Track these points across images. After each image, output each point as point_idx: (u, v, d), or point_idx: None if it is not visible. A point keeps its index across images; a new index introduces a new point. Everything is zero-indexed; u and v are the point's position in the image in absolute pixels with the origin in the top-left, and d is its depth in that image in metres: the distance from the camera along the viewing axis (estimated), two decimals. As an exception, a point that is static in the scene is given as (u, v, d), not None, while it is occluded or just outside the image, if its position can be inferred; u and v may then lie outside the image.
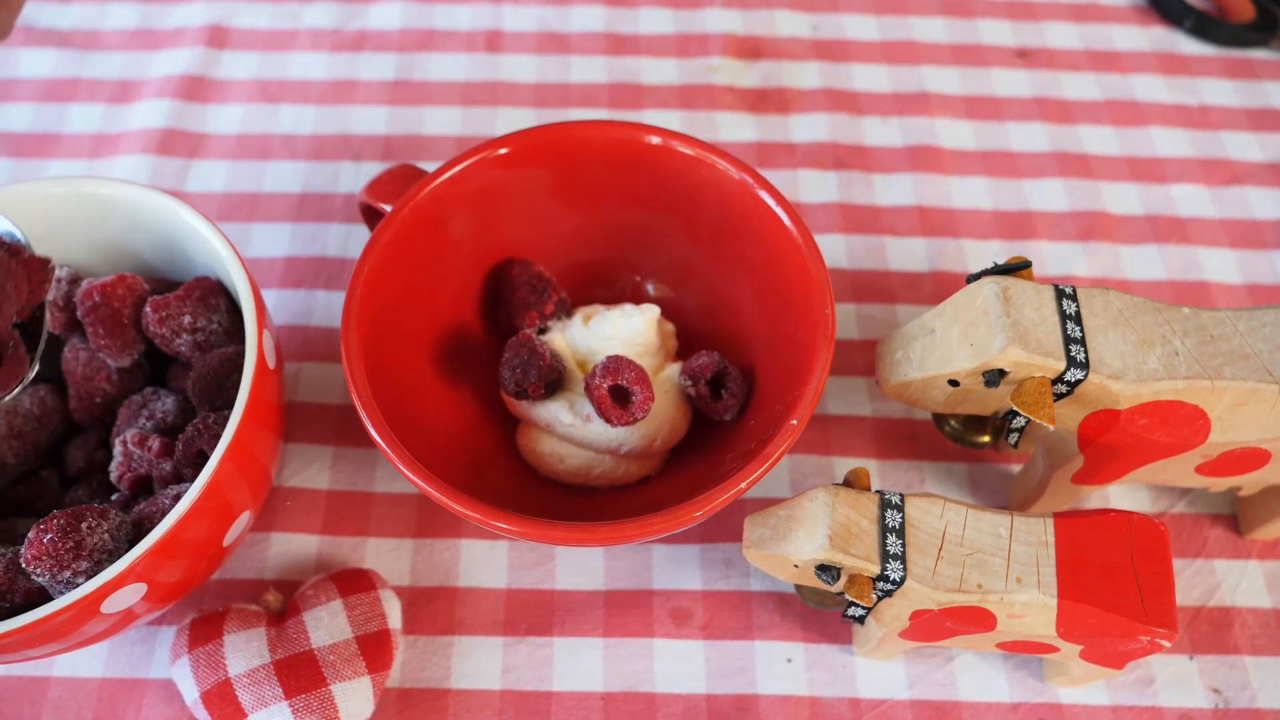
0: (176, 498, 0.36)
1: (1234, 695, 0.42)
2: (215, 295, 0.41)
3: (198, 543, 0.36)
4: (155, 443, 0.38)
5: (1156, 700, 0.41)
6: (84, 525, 0.35)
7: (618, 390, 0.40)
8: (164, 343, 0.41)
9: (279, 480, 0.46)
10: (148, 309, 0.40)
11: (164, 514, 0.35)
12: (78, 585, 0.34)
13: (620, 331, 0.43)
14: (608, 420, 0.40)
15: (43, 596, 0.36)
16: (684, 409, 0.43)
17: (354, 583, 0.41)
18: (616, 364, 0.40)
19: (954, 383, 0.37)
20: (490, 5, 0.63)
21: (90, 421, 0.43)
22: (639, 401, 0.40)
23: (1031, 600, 0.34)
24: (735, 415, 0.43)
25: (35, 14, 0.62)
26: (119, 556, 0.35)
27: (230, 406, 0.39)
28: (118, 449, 0.39)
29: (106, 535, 0.35)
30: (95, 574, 0.34)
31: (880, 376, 0.40)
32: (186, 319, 0.40)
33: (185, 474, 0.38)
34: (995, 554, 0.35)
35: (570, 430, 0.42)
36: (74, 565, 0.34)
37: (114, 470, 0.39)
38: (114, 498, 0.40)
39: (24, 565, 0.34)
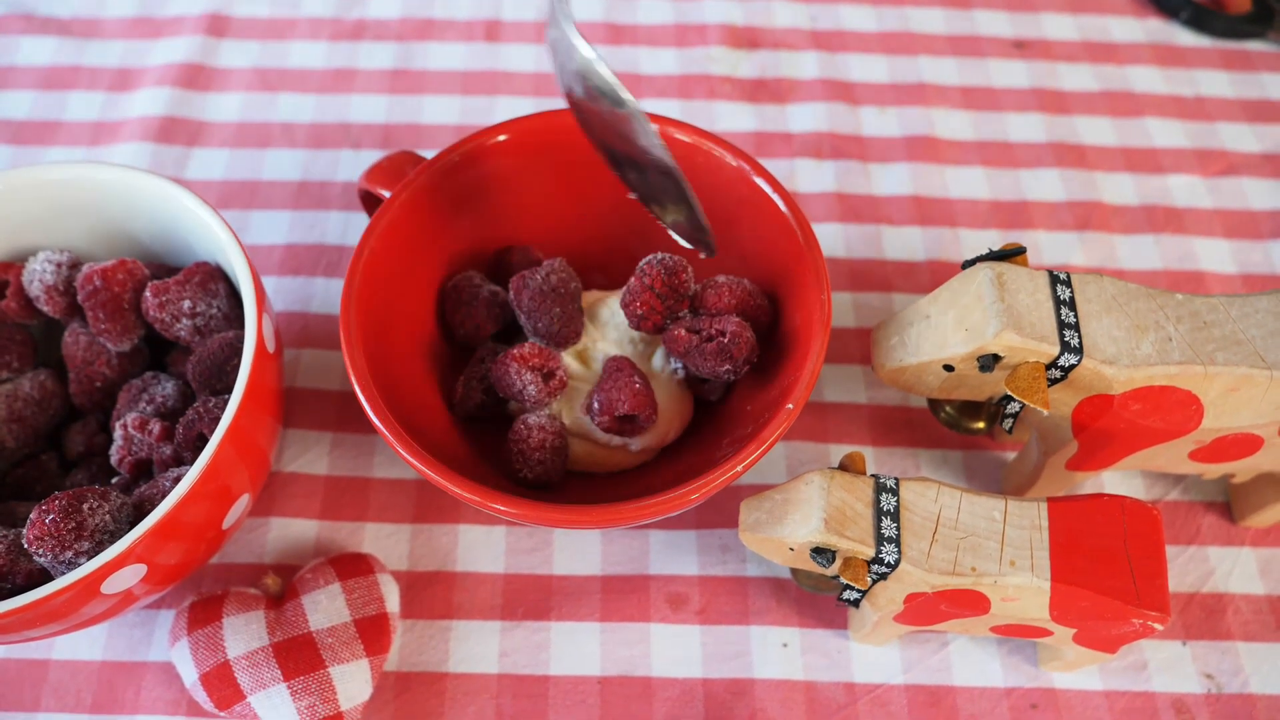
0: (177, 480, 0.36)
1: (1226, 680, 0.42)
2: (215, 281, 0.41)
3: (197, 525, 0.36)
4: (156, 426, 0.39)
5: (1150, 685, 0.42)
6: (85, 506, 0.35)
7: (623, 420, 0.41)
8: (164, 328, 0.41)
9: (278, 465, 0.46)
10: (148, 294, 0.41)
11: (164, 496, 0.35)
12: (79, 565, 0.34)
13: (618, 317, 0.43)
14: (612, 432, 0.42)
15: (44, 578, 0.36)
16: (685, 398, 0.44)
17: (352, 567, 0.42)
18: (611, 395, 0.41)
19: (949, 368, 0.37)
20: (489, -5, 0.64)
21: (90, 406, 0.43)
22: (644, 419, 0.41)
23: (1025, 583, 0.34)
24: (733, 373, 0.41)
25: (34, 2, 0.62)
26: (120, 538, 0.35)
27: (230, 391, 0.39)
28: (118, 433, 0.39)
29: (108, 516, 0.35)
30: (97, 554, 0.34)
31: (876, 362, 0.40)
32: (186, 304, 0.41)
33: (185, 457, 0.38)
34: (989, 537, 0.35)
35: (572, 423, 0.42)
36: (76, 545, 0.34)
37: (114, 454, 0.40)
38: (114, 481, 0.40)
39: (26, 545, 0.35)
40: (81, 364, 0.42)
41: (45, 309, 0.42)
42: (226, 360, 0.40)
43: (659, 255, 0.41)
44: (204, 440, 0.38)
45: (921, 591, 0.36)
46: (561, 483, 0.43)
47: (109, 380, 0.42)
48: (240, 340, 0.40)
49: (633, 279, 0.41)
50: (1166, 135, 0.58)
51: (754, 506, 0.38)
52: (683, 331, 0.41)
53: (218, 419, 0.37)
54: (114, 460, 0.40)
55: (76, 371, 0.42)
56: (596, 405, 0.41)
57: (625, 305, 0.41)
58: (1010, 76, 0.60)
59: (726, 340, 0.40)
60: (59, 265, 0.42)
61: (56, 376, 0.44)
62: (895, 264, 0.53)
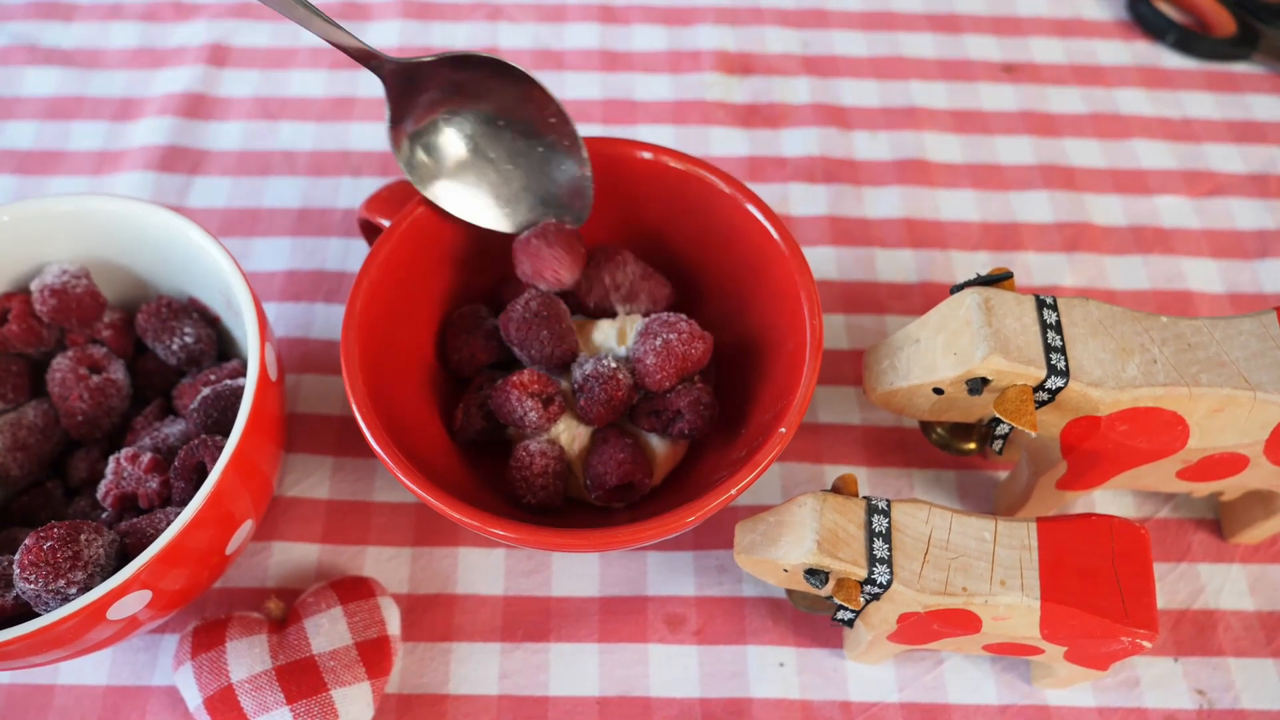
0: (182, 504, 0.37)
1: (1218, 696, 0.42)
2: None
3: (201, 550, 0.37)
4: (146, 458, 0.39)
5: (1142, 702, 0.42)
6: (83, 537, 0.36)
7: (618, 490, 0.42)
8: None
9: (280, 490, 0.47)
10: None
11: (167, 523, 0.36)
12: (70, 595, 0.34)
13: (610, 340, 0.44)
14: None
15: (25, 611, 0.36)
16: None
17: (354, 590, 0.42)
18: (598, 470, 0.42)
19: (939, 391, 0.38)
20: (486, 23, 0.65)
21: (84, 437, 0.43)
22: (639, 484, 0.42)
23: (1015, 603, 0.35)
24: (699, 430, 0.43)
25: (38, 33, 0.63)
26: (110, 573, 0.35)
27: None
28: (110, 467, 0.40)
29: (101, 550, 0.36)
30: (89, 586, 0.35)
31: (867, 385, 0.41)
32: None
33: (176, 487, 0.39)
34: (979, 558, 0.36)
35: (571, 449, 0.43)
36: (69, 575, 0.35)
37: (102, 488, 0.40)
38: (103, 516, 0.40)
39: (17, 570, 0.35)
40: (59, 399, 0.43)
41: (40, 311, 0.42)
42: (230, 406, 0.40)
43: (588, 366, 0.42)
44: (203, 469, 0.38)
45: (914, 611, 0.36)
46: (562, 507, 0.44)
47: (88, 414, 0.43)
48: (242, 374, 0.41)
49: (577, 394, 0.42)
50: (1154, 157, 0.59)
51: (748, 529, 0.38)
52: (645, 419, 0.43)
53: (220, 448, 0.38)
54: (99, 494, 0.40)
55: (59, 404, 0.43)
56: (589, 482, 0.42)
57: (579, 411, 0.42)
58: (999, 100, 0.61)
59: (685, 424, 0.42)
60: (64, 272, 0.43)
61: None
62: (888, 286, 0.54)
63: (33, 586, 0.35)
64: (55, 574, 0.35)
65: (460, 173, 0.43)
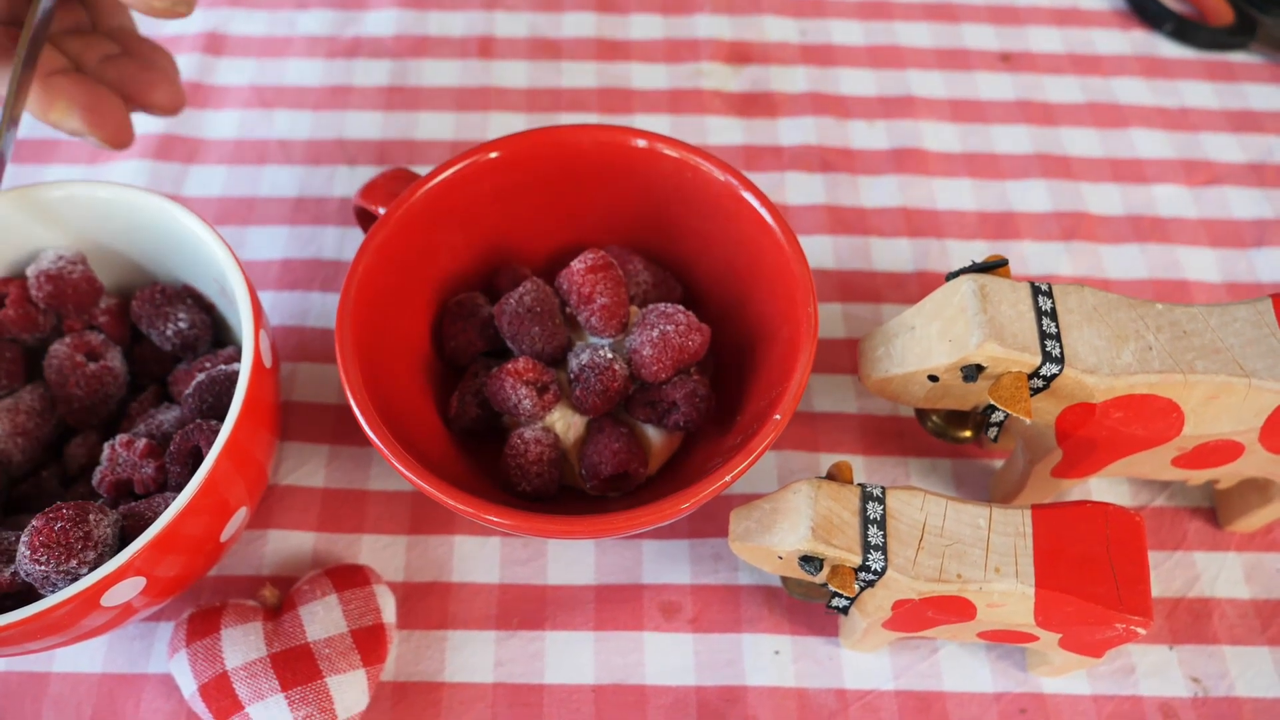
0: (178, 489, 0.37)
1: (1213, 684, 0.42)
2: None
3: (196, 537, 0.37)
4: (140, 444, 0.39)
5: (1137, 689, 0.42)
6: (91, 517, 0.36)
7: (613, 480, 0.42)
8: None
9: (275, 478, 0.47)
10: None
11: (164, 507, 0.36)
12: (80, 575, 0.34)
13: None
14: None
15: (28, 592, 0.36)
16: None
17: (349, 578, 0.42)
18: (593, 459, 0.42)
19: (933, 378, 0.38)
20: (483, 11, 0.64)
21: (81, 424, 0.43)
22: (634, 474, 0.42)
23: (1010, 589, 0.35)
24: (694, 422, 0.43)
25: (34, 22, 0.63)
26: (115, 553, 0.35)
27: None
28: (105, 453, 0.39)
29: (108, 530, 0.36)
30: (98, 566, 0.35)
31: (862, 372, 0.41)
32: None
33: (172, 472, 0.39)
34: (974, 545, 0.36)
35: (566, 437, 0.43)
36: (80, 555, 0.35)
37: (97, 475, 0.39)
38: (99, 503, 0.40)
39: (27, 552, 0.35)
40: (56, 385, 0.43)
41: (36, 296, 0.42)
42: (225, 391, 0.40)
43: (584, 356, 0.42)
44: (198, 453, 0.38)
45: (909, 598, 0.36)
46: (558, 494, 0.44)
47: (85, 401, 0.43)
48: (237, 358, 0.41)
49: (573, 384, 0.42)
50: (1151, 146, 0.59)
51: (743, 516, 0.38)
52: (640, 409, 0.43)
53: (215, 434, 0.38)
54: (95, 480, 0.39)
55: (57, 391, 0.43)
56: (584, 471, 0.42)
57: (575, 401, 0.42)
58: (997, 89, 0.61)
59: (681, 415, 0.42)
60: (61, 258, 0.43)
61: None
62: (884, 275, 0.54)
63: (42, 568, 0.35)
64: (68, 554, 0.35)
65: None
